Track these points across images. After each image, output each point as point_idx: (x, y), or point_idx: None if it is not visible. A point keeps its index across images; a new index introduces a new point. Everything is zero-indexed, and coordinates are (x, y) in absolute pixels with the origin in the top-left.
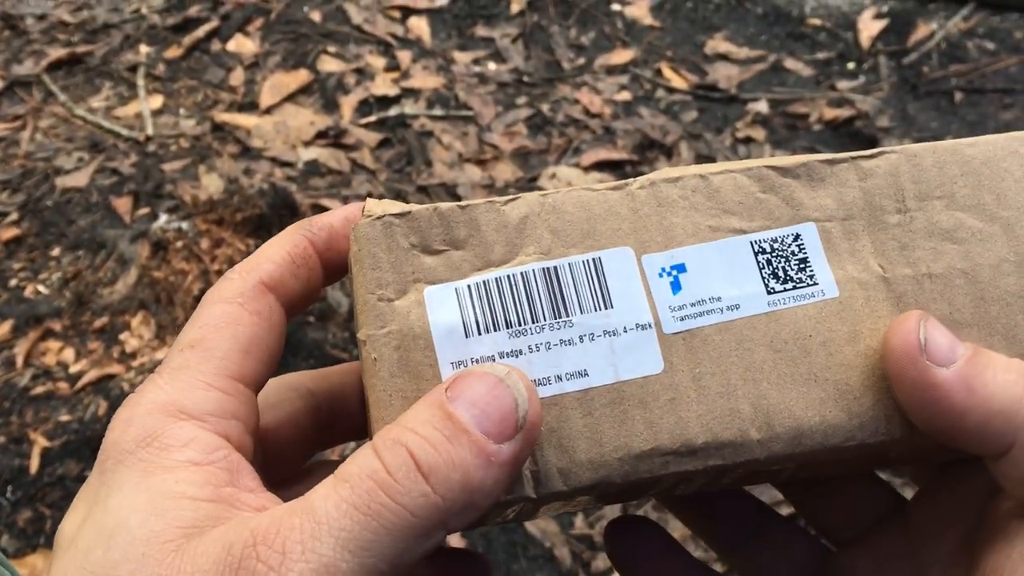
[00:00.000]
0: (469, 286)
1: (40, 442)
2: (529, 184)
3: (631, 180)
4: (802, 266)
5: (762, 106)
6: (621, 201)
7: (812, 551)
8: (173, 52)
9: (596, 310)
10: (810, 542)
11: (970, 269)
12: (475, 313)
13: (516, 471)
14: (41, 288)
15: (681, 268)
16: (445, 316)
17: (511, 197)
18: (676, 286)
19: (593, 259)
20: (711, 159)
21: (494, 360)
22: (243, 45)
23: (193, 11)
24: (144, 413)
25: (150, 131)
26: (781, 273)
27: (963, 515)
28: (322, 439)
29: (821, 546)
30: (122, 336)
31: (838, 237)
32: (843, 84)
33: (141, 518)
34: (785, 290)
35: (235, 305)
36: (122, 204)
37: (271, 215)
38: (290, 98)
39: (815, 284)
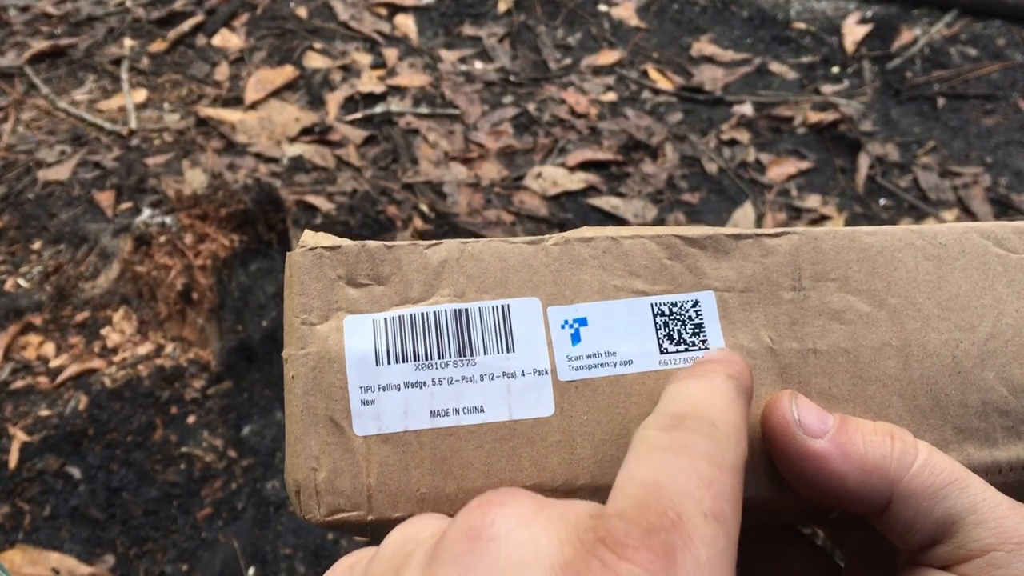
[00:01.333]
0: (385, 319)
1: (19, 437)
2: (515, 183)
3: (547, 236)
4: (696, 331)
5: (747, 109)
6: (535, 255)
7: None
8: (158, 46)
9: (499, 352)
10: None
11: (853, 349)
12: (387, 344)
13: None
14: (22, 282)
15: (583, 322)
16: (360, 344)
17: (433, 242)
18: (576, 338)
19: (502, 305)
20: (696, 160)
21: (399, 389)
22: (228, 40)
23: (178, 5)
24: None
25: (134, 125)
26: (676, 335)
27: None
28: None
29: None
30: (103, 331)
31: (734, 307)
32: (827, 88)
33: None
34: (677, 351)
35: None
36: (105, 198)
37: (255, 210)
38: (275, 94)
39: (706, 348)
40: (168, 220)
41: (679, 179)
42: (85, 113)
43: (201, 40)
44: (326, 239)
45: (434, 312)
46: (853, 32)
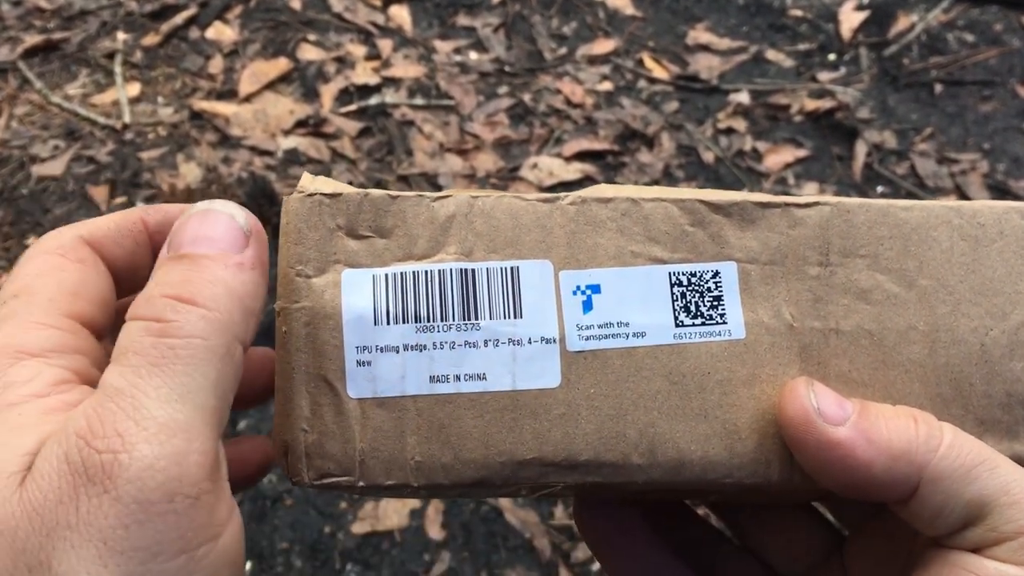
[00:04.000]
0: (387, 275)
1: None
2: (511, 174)
3: (563, 195)
4: (715, 304)
5: (743, 97)
6: (550, 214)
7: None
8: (151, 39)
9: (505, 317)
10: (762, 573)
11: (878, 331)
12: (388, 302)
13: (266, 272)
14: None
15: (596, 289)
16: (358, 300)
17: (442, 194)
18: (588, 306)
19: (511, 267)
20: (692, 149)
21: (398, 351)
22: (222, 33)
23: None
24: None
25: (127, 119)
26: (693, 308)
27: (897, 554)
28: None
29: None
30: None
31: (756, 280)
32: (824, 75)
33: None
34: (693, 325)
35: (55, 255)
36: (99, 192)
37: (250, 204)
38: (270, 86)
39: (724, 323)
40: None
41: (675, 168)
42: (79, 107)
43: (194, 33)
44: (326, 184)
45: (439, 271)
46: (850, 19)
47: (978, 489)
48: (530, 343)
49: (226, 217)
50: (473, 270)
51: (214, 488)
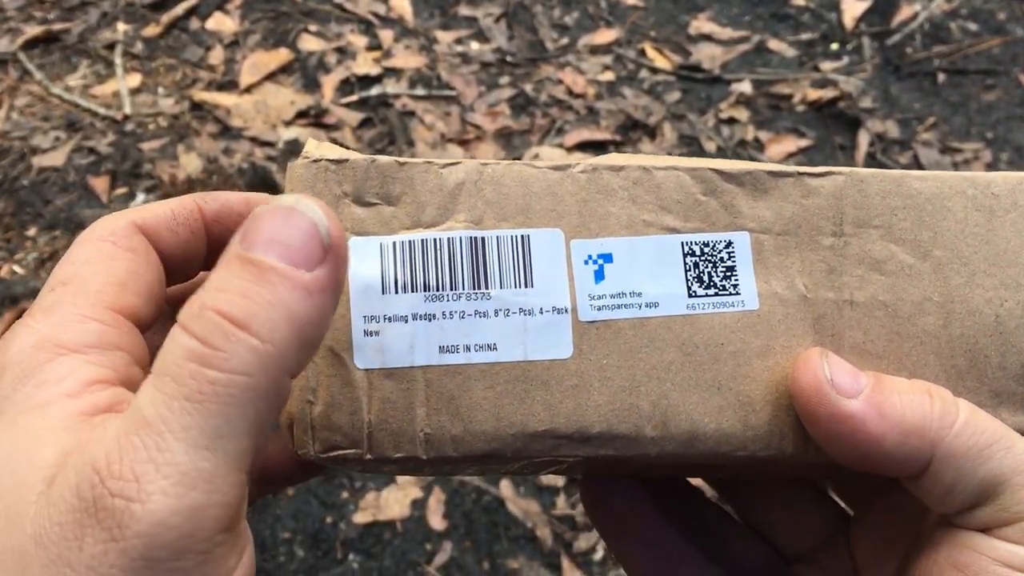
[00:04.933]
0: (395, 243)
1: None
2: None
3: (574, 163)
4: (728, 274)
5: (746, 87)
6: (561, 182)
7: (770, 562)
8: (151, 30)
9: (516, 287)
10: (768, 553)
11: (892, 302)
12: (396, 271)
13: (338, 294)
14: (17, 268)
15: (608, 258)
16: (365, 269)
17: (451, 161)
18: (600, 275)
19: (522, 235)
20: (694, 139)
21: (406, 321)
22: (222, 23)
23: None
24: (16, 353)
25: (128, 110)
26: (706, 278)
27: (903, 535)
28: None
29: (779, 558)
30: None
31: (769, 250)
32: (826, 65)
33: (3, 463)
34: (707, 295)
35: (107, 243)
36: (99, 183)
37: None
38: (270, 77)
39: (737, 294)
40: None
41: None
42: (79, 99)
43: (195, 24)
44: (332, 150)
45: (448, 239)
46: (852, 8)
47: (992, 468)
48: (541, 313)
49: (308, 223)
50: (483, 238)
51: (229, 537)
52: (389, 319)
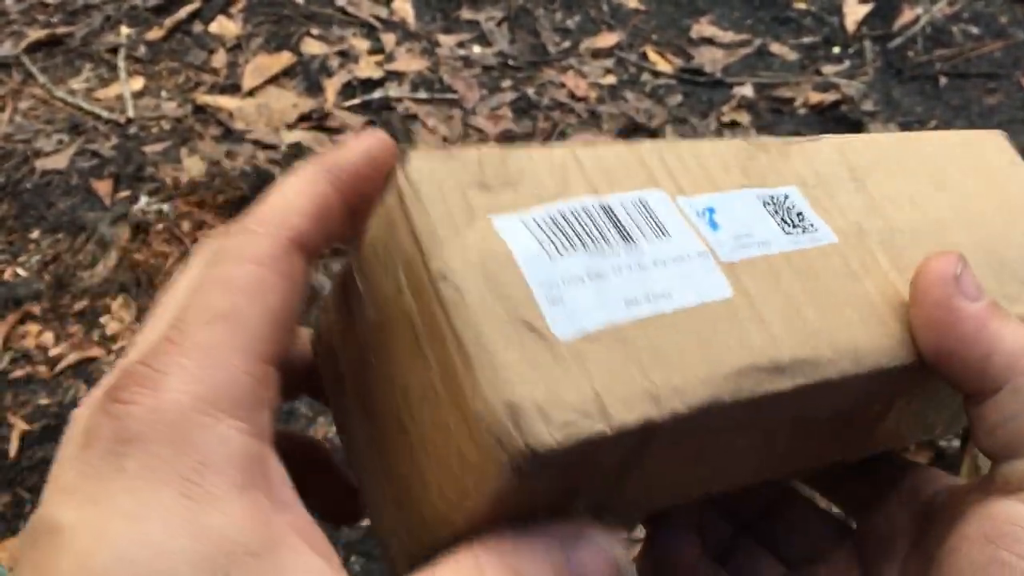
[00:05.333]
0: (535, 217)
1: (19, 426)
2: None
3: (640, 141)
4: (800, 217)
5: (747, 90)
6: (640, 154)
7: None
8: (154, 34)
9: (658, 238)
10: (774, 564)
11: (925, 225)
12: (549, 239)
13: None
14: (20, 271)
15: (712, 210)
16: (522, 240)
17: (543, 148)
18: (714, 225)
19: (639, 197)
20: None
21: (583, 281)
22: (225, 27)
23: None
24: (174, 405)
25: (131, 113)
26: (789, 220)
27: (910, 524)
28: None
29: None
30: (102, 319)
31: (815, 198)
32: (828, 68)
33: (186, 559)
34: (797, 233)
35: (267, 270)
36: (102, 186)
37: (253, 197)
38: (273, 80)
39: (816, 231)
40: (166, 208)
41: None
42: (82, 102)
43: (198, 27)
44: (436, 151)
45: (581, 207)
46: (854, 12)
47: None
48: (688, 258)
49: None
50: (609, 202)
51: None
52: (565, 282)
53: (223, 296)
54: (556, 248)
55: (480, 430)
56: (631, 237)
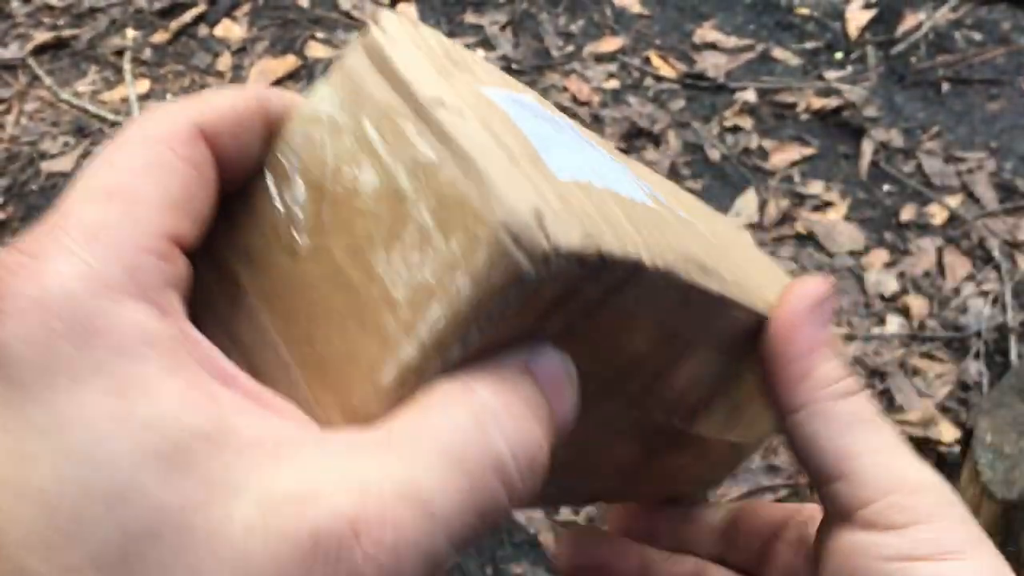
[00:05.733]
0: (500, 92)
1: None
2: None
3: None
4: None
5: (750, 95)
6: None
7: None
8: (160, 37)
9: (582, 136)
10: None
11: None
12: (520, 108)
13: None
14: None
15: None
16: (505, 101)
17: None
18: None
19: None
20: (699, 147)
21: (558, 144)
22: (230, 30)
23: None
24: (62, 293)
25: (136, 116)
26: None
27: (808, 568)
28: None
29: None
30: None
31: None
32: (831, 74)
33: (132, 464)
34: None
35: (165, 148)
36: None
37: None
38: (278, 84)
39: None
40: None
41: (682, 166)
42: (88, 104)
43: (203, 30)
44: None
45: (522, 95)
46: (857, 17)
47: (848, 442)
48: (611, 159)
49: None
50: (535, 100)
51: None
52: (549, 139)
53: (112, 174)
54: (529, 116)
55: (497, 237)
56: (563, 127)
